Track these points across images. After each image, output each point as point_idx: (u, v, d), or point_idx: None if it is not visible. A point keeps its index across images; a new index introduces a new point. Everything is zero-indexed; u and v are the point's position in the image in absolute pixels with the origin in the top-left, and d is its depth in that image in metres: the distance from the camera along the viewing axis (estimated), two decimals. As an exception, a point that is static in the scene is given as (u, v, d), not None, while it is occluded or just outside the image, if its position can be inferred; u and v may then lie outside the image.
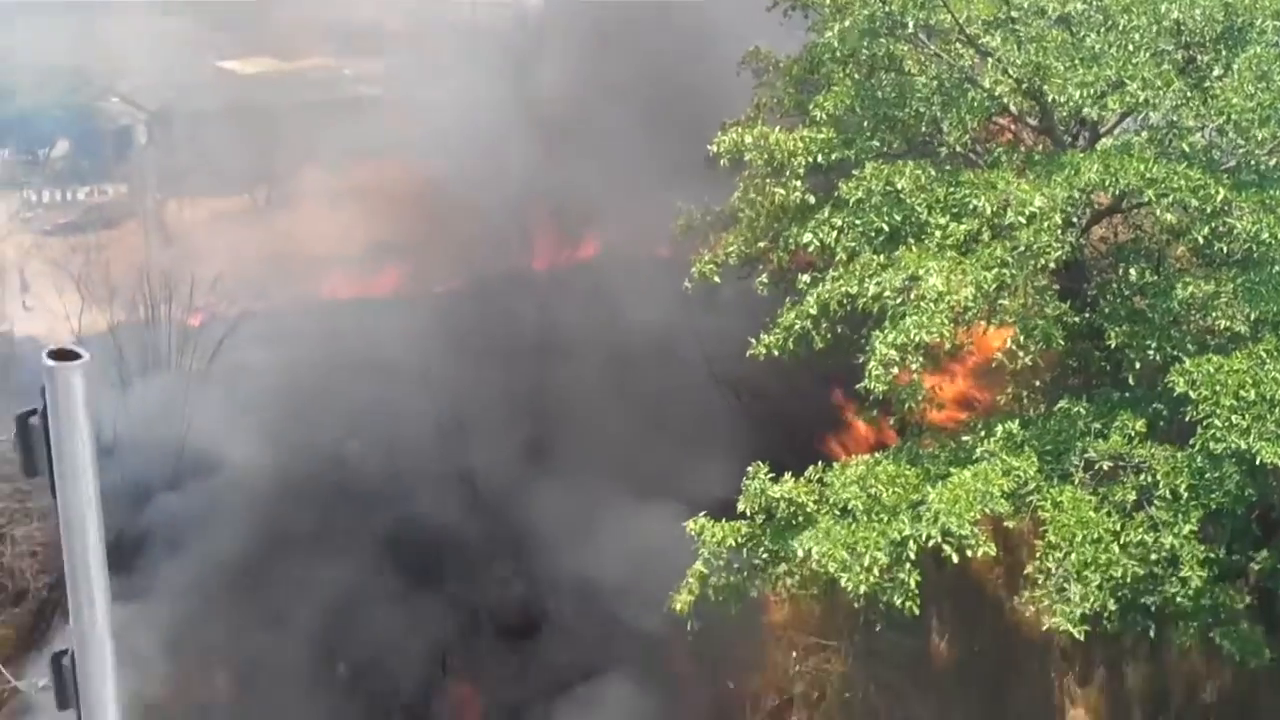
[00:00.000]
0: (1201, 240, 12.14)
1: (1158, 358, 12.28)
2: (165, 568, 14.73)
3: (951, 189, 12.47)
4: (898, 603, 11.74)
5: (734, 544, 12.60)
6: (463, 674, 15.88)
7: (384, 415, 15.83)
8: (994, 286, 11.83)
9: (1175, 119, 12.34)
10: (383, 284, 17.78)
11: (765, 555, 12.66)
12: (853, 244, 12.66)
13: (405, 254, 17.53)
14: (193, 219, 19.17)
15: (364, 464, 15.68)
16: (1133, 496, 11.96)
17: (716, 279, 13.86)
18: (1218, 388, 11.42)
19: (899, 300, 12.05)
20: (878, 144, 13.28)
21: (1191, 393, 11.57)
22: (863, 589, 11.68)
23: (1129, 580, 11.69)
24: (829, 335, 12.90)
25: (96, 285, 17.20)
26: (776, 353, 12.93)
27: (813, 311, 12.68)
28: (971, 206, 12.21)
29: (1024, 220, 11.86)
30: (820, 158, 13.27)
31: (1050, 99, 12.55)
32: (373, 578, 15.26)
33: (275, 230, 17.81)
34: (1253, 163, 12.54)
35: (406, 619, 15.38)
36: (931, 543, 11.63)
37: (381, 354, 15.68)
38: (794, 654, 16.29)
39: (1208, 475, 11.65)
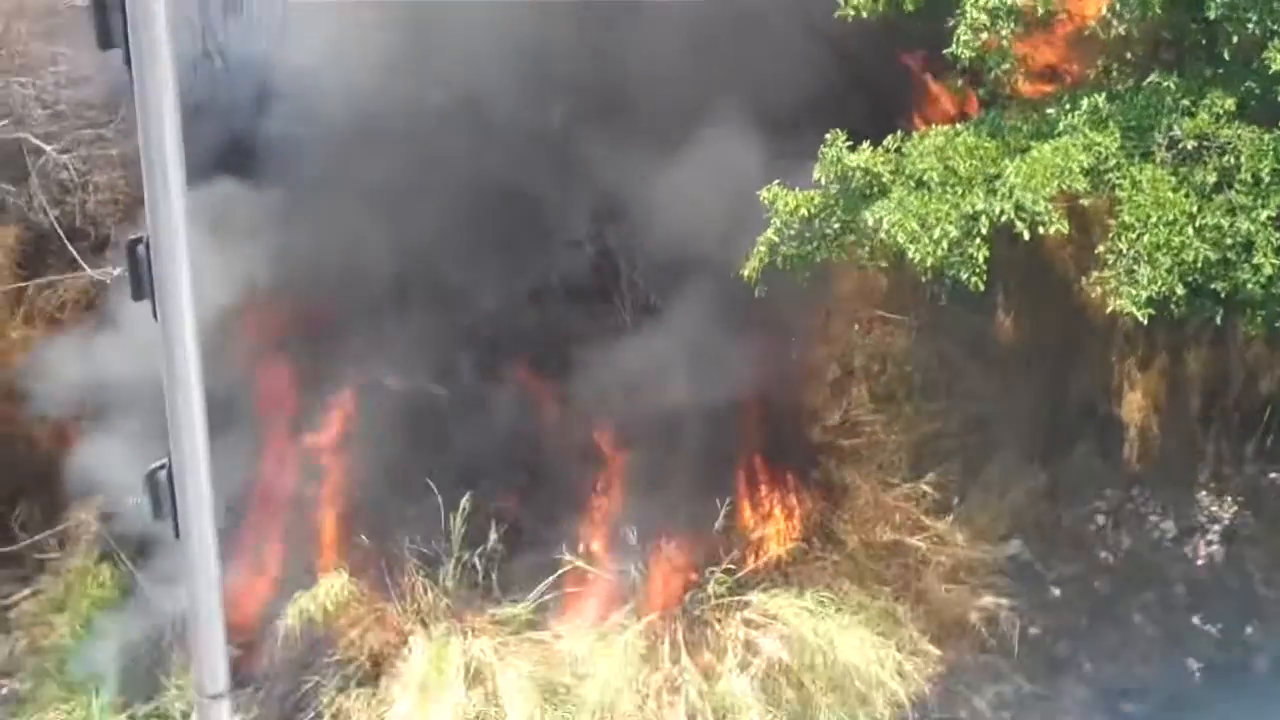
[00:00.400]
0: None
1: (1257, 31, 11.67)
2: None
3: None
4: (964, 278, 11.60)
5: (807, 214, 12.51)
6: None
7: (471, 67, 15.60)
8: (1094, -50, 11.36)
9: None
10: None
11: (837, 225, 12.52)
12: (956, -99, 12.08)
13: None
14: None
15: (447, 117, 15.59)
16: (1214, 178, 11.56)
17: None
18: (1317, 65, 10.97)
19: (995, -40, 11.62)
20: None
21: (1288, 70, 11.12)
22: (930, 262, 11.56)
23: (1201, 265, 11.46)
24: (923, -4, 12.47)
25: None
26: (865, 14, 12.56)
27: (904, -32, 12.25)
28: None
29: (1131, -122, 11.25)
30: None
31: None
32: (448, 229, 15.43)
33: None
34: None
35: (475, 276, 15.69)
36: (1005, 218, 11.47)
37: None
38: (856, 326, 16.44)
39: (1293, 159, 11.30)
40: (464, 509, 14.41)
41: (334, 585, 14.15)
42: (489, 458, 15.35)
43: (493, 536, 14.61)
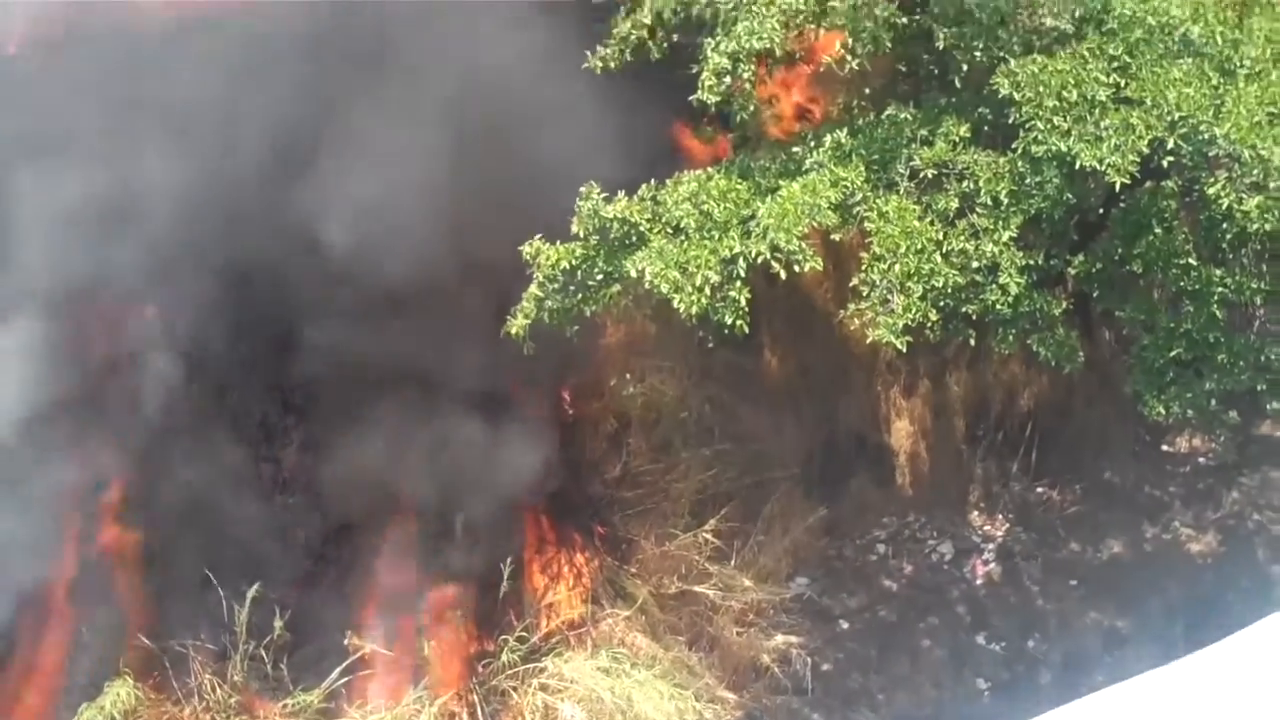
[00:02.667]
0: (1030, -65, 12.01)
1: (984, 59, 12.16)
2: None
3: (783, -112, 12.05)
4: (729, 321, 11.67)
5: (569, 266, 12.45)
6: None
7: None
8: (824, -14, 11.65)
9: None
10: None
11: (600, 276, 12.50)
12: (687, -53, 12.30)
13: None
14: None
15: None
16: (955, 204, 11.91)
17: None
18: (1041, 89, 11.32)
19: (731, 5, 11.81)
20: None
21: (1015, 94, 11.46)
22: (694, 308, 11.52)
23: (950, 289, 11.74)
24: (665, 45, 12.62)
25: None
26: (614, 66, 12.64)
27: (647, 20, 12.37)
28: (803, -97, 11.85)
29: (855, -83, 11.61)
30: None
31: None
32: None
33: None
34: None
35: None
36: (761, 259, 11.59)
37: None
38: (628, 376, 16.44)
39: (1028, 180, 11.64)
40: (249, 598, 13.86)
41: (120, 693, 13.41)
42: (268, 543, 14.80)
43: (277, 625, 14.08)
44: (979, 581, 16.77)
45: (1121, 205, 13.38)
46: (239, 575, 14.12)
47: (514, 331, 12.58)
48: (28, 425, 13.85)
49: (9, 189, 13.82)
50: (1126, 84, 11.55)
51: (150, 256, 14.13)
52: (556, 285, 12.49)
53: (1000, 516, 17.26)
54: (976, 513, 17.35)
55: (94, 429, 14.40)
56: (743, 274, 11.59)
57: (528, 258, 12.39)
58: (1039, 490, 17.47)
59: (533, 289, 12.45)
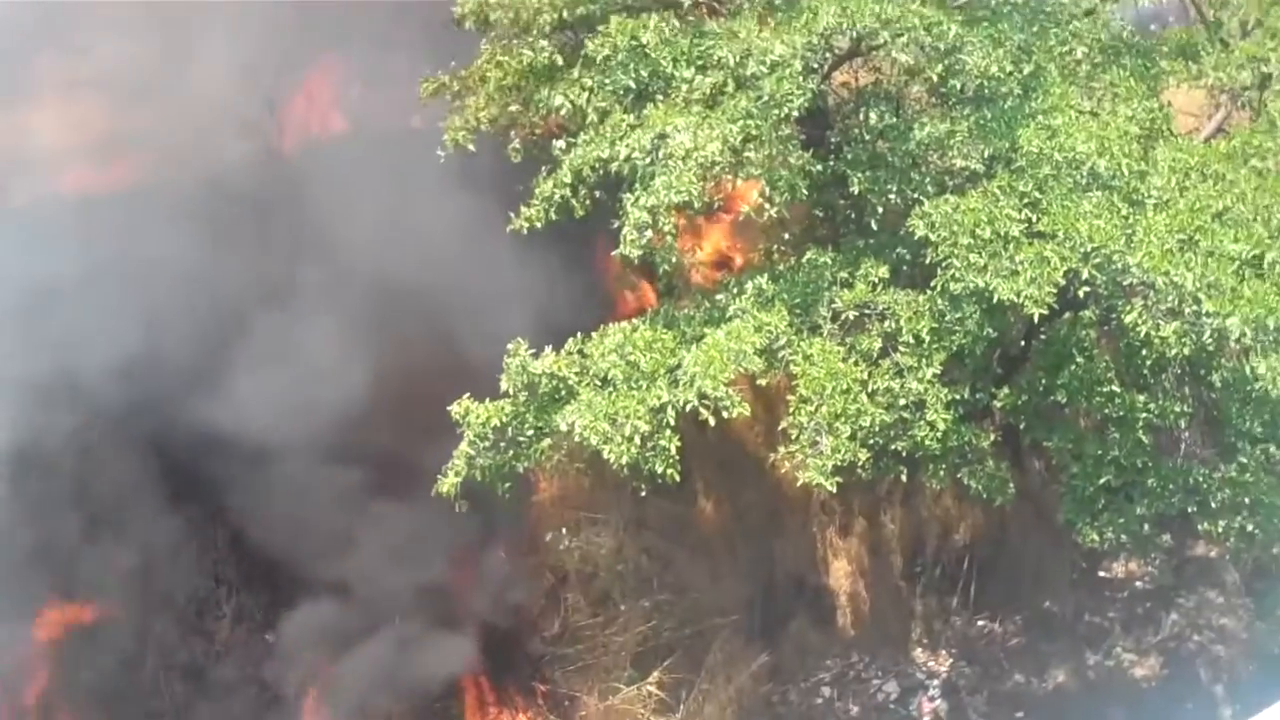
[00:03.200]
0: (936, 79, 12.19)
1: (899, 201, 12.39)
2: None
3: (696, 41, 12.22)
4: (660, 470, 11.57)
5: (499, 423, 12.36)
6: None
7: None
8: (740, 139, 11.65)
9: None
10: (124, 177, 16.84)
11: (530, 432, 12.44)
12: (603, 104, 12.34)
13: (147, 142, 16.56)
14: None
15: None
16: (878, 344, 12.00)
17: (471, 146, 13.44)
18: (955, 228, 11.51)
19: (649, 160, 11.95)
20: (622, -4, 13.04)
21: (931, 234, 11.64)
22: (625, 459, 11.43)
23: (878, 428, 11.77)
24: (587, 202, 12.74)
25: None
26: (539, 225, 12.73)
27: (568, 179, 12.46)
28: (716, 58, 11.97)
29: (766, 69, 11.69)
30: (566, 13, 12.84)
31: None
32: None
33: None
34: (983, -3, 12.74)
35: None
36: (689, 407, 11.59)
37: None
38: (563, 530, 16.30)
39: (948, 317, 11.80)
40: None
41: None
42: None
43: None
44: (926, 718, 16.61)
45: (1042, 337, 13.59)
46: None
47: (445, 490, 12.43)
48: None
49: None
50: (1038, 219, 11.77)
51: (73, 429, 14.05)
52: (487, 443, 12.39)
53: (943, 652, 17.18)
54: (920, 649, 17.26)
55: (13, 615, 14.10)
56: (672, 422, 11.55)
57: (457, 417, 12.30)
58: (980, 623, 17.43)
59: (463, 447, 12.32)
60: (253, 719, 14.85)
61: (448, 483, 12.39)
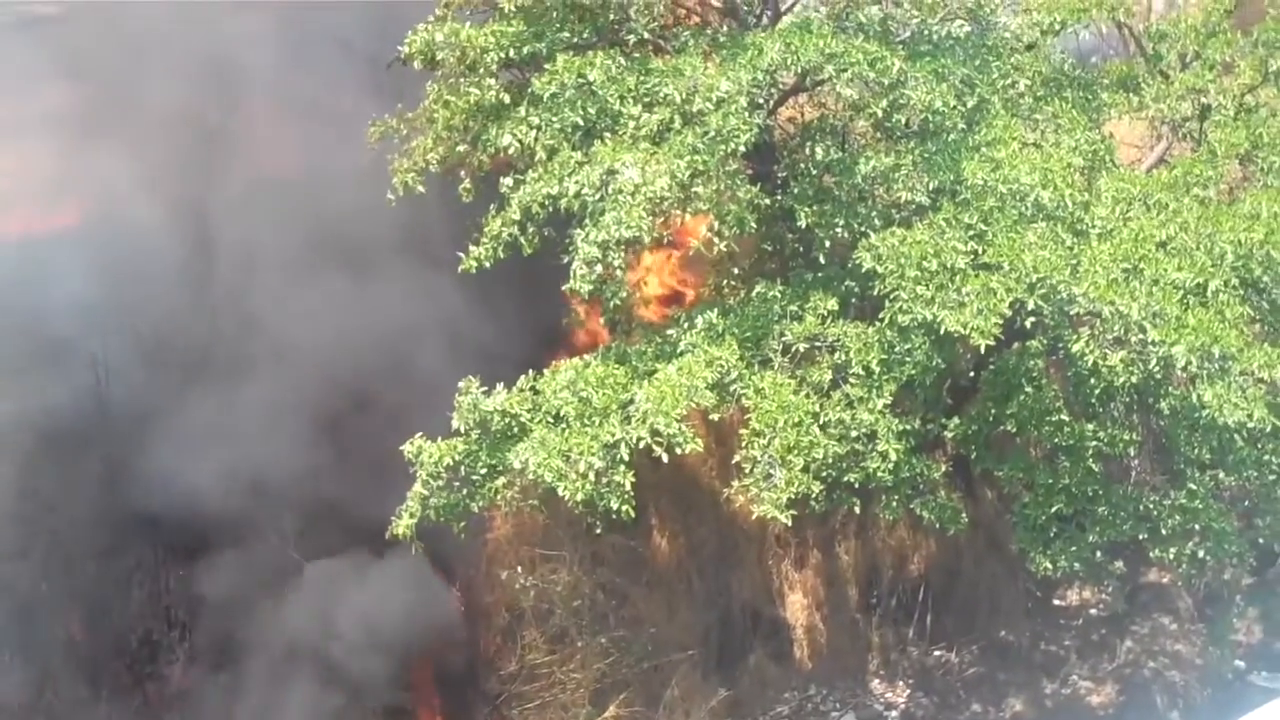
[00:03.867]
0: (881, 113, 12.33)
1: (846, 235, 12.47)
2: None
3: (642, 78, 12.30)
4: (615, 506, 11.55)
5: (451, 462, 12.30)
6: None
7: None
8: (688, 175, 11.71)
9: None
10: (69, 217, 16.74)
11: (484, 470, 12.37)
12: (551, 142, 12.32)
13: (98, 183, 16.48)
14: None
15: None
16: (829, 376, 12.05)
17: (420, 188, 13.43)
18: (902, 260, 11.59)
19: (598, 196, 11.96)
20: (568, 34, 13.00)
21: (878, 267, 11.73)
22: (579, 495, 11.40)
23: (830, 460, 11.79)
24: (536, 239, 12.75)
25: None
26: (489, 264, 12.70)
27: (516, 217, 12.45)
28: (662, 95, 12.07)
29: (712, 105, 11.79)
30: (512, 52, 12.90)
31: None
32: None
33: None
34: (926, 33, 12.86)
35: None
36: (642, 443, 11.57)
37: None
38: (519, 568, 16.23)
39: (897, 348, 11.86)
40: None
41: None
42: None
43: None
44: (884, 750, 16.63)
45: (991, 367, 13.69)
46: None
47: (399, 532, 12.36)
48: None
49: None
50: (984, 250, 11.87)
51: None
52: (441, 482, 12.33)
53: (901, 683, 17.19)
54: (877, 680, 17.26)
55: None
56: (625, 458, 11.54)
57: (410, 457, 12.25)
58: (937, 653, 17.46)
59: (417, 488, 12.25)
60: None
61: (402, 524, 12.32)
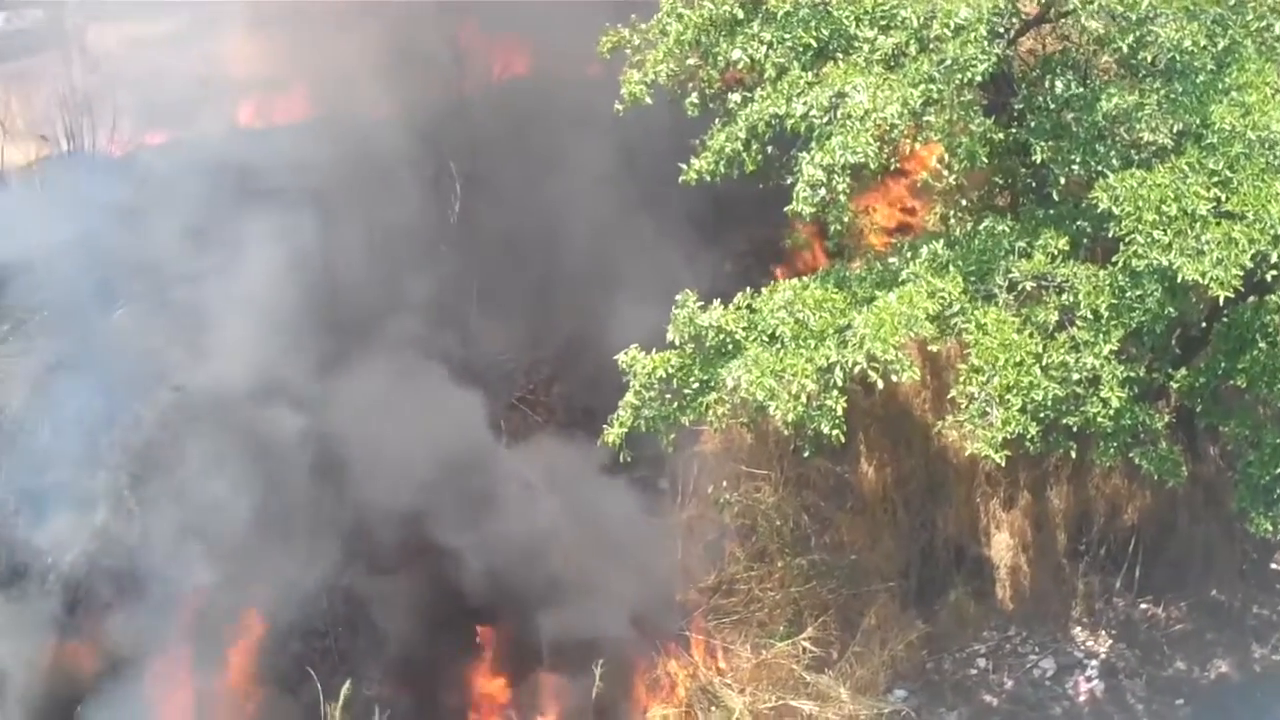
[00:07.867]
0: (1126, 49, 11.93)
1: (1082, 173, 12.14)
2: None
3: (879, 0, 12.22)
4: (825, 429, 11.60)
5: (664, 375, 12.45)
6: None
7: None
8: (920, 102, 11.54)
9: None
10: (300, 108, 17.30)
11: (695, 385, 12.45)
12: (781, 60, 12.28)
13: (327, 77, 16.95)
14: (116, 43, 18.49)
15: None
16: (1055, 317, 11.82)
17: (648, 99, 13.47)
18: (1140, 203, 11.26)
19: (826, 119, 11.87)
20: (806, -50, 12.91)
21: (1115, 208, 11.41)
22: (790, 417, 11.50)
23: (1050, 402, 11.62)
24: (759, 157, 12.71)
25: (16, 117, 16.69)
26: (709, 177, 12.74)
27: (741, 134, 12.44)
28: (899, 18, 11.86)
29: (950, 32, 11.55)
30: (749, -35, 12.88)
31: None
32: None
33: (198, 54, 17.26)
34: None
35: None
36: (857, 369, 11.56)
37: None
38: (724, 484, 16.40)
39: (1129, 294, 11.54)
40: (344, 696, 13.85)
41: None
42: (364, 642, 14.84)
43: (378, 720, 14.04)
44: (1082, 699, 16.38)
45: (1224, 319, 13.21)
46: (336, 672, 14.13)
47: (610, 440, 12.59)
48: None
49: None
50: (1228, 198, 11.45)
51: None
52: (653, 394, 12.50)
53: (1103, 633, 16.89)
54: (1079, 628, 16.99)
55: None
56: (839, 383, 11.56)
57: (624, 366, 12.45)
58: (1143, 607, 17.08)
59: (629, 398, 12.46)
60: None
61: (613, 433, 12.55)
